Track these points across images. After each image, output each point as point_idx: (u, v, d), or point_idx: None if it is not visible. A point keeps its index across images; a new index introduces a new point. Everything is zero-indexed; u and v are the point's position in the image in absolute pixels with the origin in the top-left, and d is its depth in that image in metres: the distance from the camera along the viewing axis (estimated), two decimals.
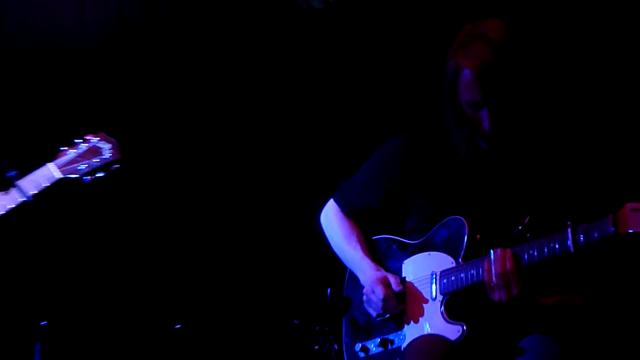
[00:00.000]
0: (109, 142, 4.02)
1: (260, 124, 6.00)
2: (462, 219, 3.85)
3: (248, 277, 5.81)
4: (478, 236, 3.82)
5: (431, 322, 3.86)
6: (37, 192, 3.88)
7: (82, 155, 3.95)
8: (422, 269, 3.96)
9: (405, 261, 4.04)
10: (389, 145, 4.19)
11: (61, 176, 3.93)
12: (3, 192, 3.84)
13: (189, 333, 5.62)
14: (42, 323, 5.14)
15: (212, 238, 5.97)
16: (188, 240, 6.02)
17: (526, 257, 3.60)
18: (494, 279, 3.61)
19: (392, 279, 3.96)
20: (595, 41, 5.29)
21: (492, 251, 3.65)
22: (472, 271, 3.73)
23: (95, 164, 3.95)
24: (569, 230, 3.49)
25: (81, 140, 3.97)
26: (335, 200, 4.31)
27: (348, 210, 4.26)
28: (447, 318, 3.80)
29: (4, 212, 3.83)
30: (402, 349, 3.89)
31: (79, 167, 3.94)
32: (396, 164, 4.11)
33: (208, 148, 6.02)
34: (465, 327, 3.73)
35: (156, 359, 5.78)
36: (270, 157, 5.88)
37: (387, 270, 4.05)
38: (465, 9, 4.48)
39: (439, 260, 3.90)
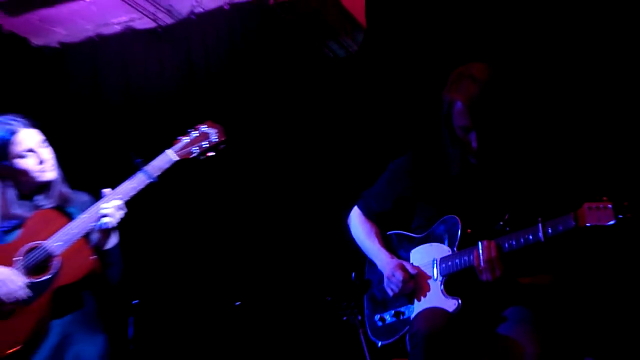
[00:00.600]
0: (214, 127, 3.99)
1: (305, 148, 6.05)
2: (457, 217, 3.90)
3: (294, 265, 5.83)
4: (469, 230, 3.87)
5: (433, 297, 3.89)
6: (160, 173, 3.87)
7: (194, 141, 3.94)
8: (426, 256, 3.99)
9: (412, 250, 4.07)
10: (398, 162, 4.24)
11: (178, 158, 3.92)
12: (131, 179, 3.84)
13: (248, 308, 5.65)
14: (134, 302, 5.17)
15: (271, 235, 6.01)
16: (251, 233, 6.08)
17: (507, 245, 3.67)
18: (482, 263, 3.67)
19: (407, 265, 4.00)
20: (553, 81, 5.32)
21: (479, 242, 3.71)
22: (464, 257, 3.79)
23: (205, 145, 3.93)
24: (540, 224, 3.58)
25: (192, 129, 3.97)
26: (358, 206, 4.35)
27: (368, 213, 4.30)
28: (445, 294, 3.84)
29: (135, 193, 3.83)
30: (411, 318, 3.91)
31: (192, 150, 3.93)
32: (405, 176, 4.18)
33: (268, 167, 6.10)
34: (460, 301, 3.78)
35: (222, 330, 5.79)
36: (313, 174, 5.91)
37: (399, 257, 4.08)
38: (456, 55, 4.50)
39: (439, 250, 3.94)
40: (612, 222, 3.41)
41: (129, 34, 6.67)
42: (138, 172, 3.86)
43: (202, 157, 3.96)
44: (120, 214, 3.79)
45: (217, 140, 3.96)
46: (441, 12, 5.71)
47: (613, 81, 5.24)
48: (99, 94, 6.69)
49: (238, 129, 5.85)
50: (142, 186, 3.85)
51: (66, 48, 6.86)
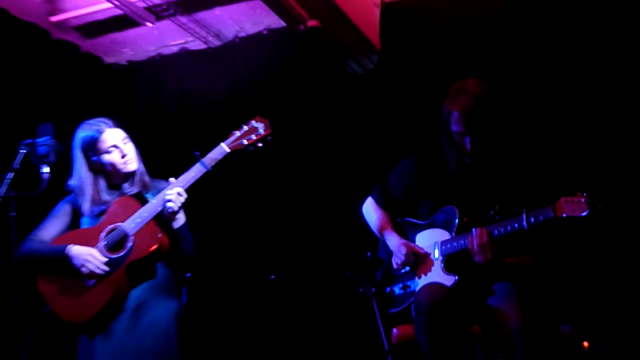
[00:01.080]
0: (262, 121, 3.95)
1: (330, 149, 6.06)
2: (454, 207, 3.89)
3: (320, 246, 5.83)
4: (465, 219, 3.85)
5: (434, 274, 3.88)
6: (214, 164, 3.85)
7: (244, 134, 3.90)
8: (429, 240, 3.98)
9: (417, 234, 4.05)
10: (405, 162, 4.24)
11: (229, 150, 3.87)
12: (190, 169, 3.84)
13: (281, 281, 5.65)
14: (187, 275, 5.17)
15: (302, 220, 6.02)
16: (286, 218, 6.08)
17: (496, 232, 3.67)
18: (475, 247, 3.68)
19: (414, 245, 3.99)
20: (534, 95, 5.33)
21: (473, 229, 3.71)
22: (461, 241, 3.78)
23: (253, 138, 3.90)
24: (524, 214, 3.59)
25: (244, 124, 3.95)
26: (372, 197, 4.34)
27: (380, 203, 4.29)
28: (445, 271, 3.83)
29: (194, 182, 3.83)
30: (416, 291, 3.90)
31: (242, 142, 3.89)
32: (410, 173, 4.17)
33: (301, 165, 6.11)
34: (457, 277, 3.78)
35: (259, 299, 5.80)
36: (337, 171, 5.93)
37: (406, 240, 4.06)
38: (453, 72, 4.48)
39: (440, 234, 3.93)
40: (585, 214, 3.43)
41: (184, 54, 6.70)
42: (196, 163, 3.85)
43: (251, 149, 3.93)
44: (181, 199, 3.79)
45: (264, 133, 3.94)
46: (440, 37, 5.72)
47: (583, 96, 5.23)
48: (160, 103, 6.72)
49: (274, 134, 5.87)
50: (199, 175, 3.84)
51: (133, 65, 6.90)
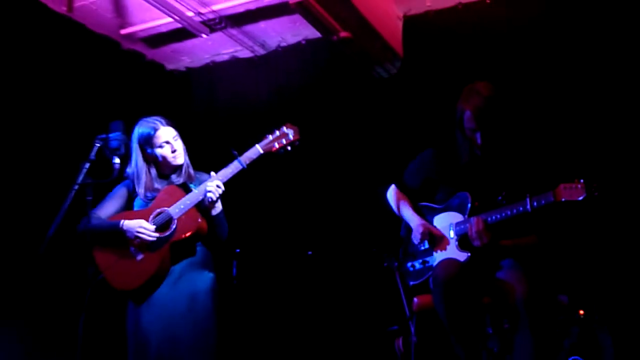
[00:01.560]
0: (292, 128, 3.94)
1: (358, 143, 6.03)
2: (467, 193, 3.85)
3: (351, 226, 5.82)
4: (477, 203, 3.81)
5: (450, 251, 3.84)
6: (249, 162, 3.86)
7: (276, 138, 3.90)
8: (445, 221, 3.93)
9: (435, 217, 4.00)
10: (424, 154, 4.18)
11: (262, 152, 3.89)
12: (228, 166, 3.85)
13: (317, 257, 5.64)
14: (237, 250, 5.18)
15: (335, 205, 6.00)
16: (322, 204, 6.06)
17: (489, 219, 3.67)
18: (473, 234, 3.67)
19: (431, 226, 3.96)
20: (536, 95, 5.28)
21: (471, 219, 3.71)
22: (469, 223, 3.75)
23: (283, 142, 3.90)
24: (528, 199, 3.55)
25: (276, 129, 3.95)
26: (396, 184, 4.28)
27: (403, 189, 4.23)
28: (459, 249, 3.80)
29: (231, 177, 3.85)
30: (433, 265, 3.87)
31: (274, 145, 3.89)
32: (429, 164, 4.12)
33: (335, 157, 6.09)
34: (469, 254, 3.74)
35: (297, 272, 5.80)
36: (365, 161, 5.90)
37: (426, 221, 4.03)
38: (466, 75, 4.44)
39: (454, 217, 3.88)
40: (581, 198, 3.41)
41: (234, 61, 6.69)
42: (234, 160, 3.87)
43: (281, 152, 3.94)
44: (220, 191, 3.82)
45: (292, 138, 3.93)
46: (454, 45, 5.69)
47: (582, 94, 5.17)
48: (213, 104, 6.72)
49: (311, 130, 5.85)
50: (236, 172, 3.87)
51: (190, 71, 6.90)
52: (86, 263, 3.60)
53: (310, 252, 5.54)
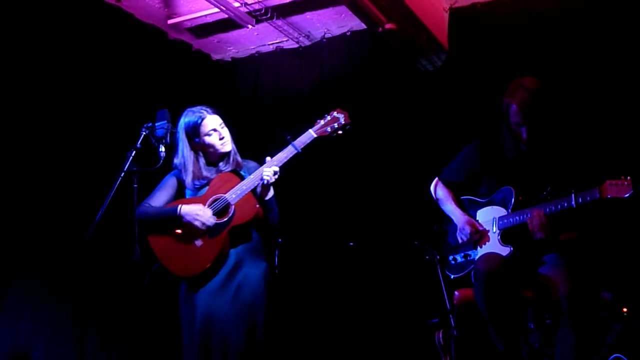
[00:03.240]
0: (342, 113, 3.98)
1: (403, 135, 5.99)
2: (511, 187, 3.82)
3: (393, 219, 5.80)
4: (520, 198, 3.79)
5: (492, 245, 3.83)
6: (303, 146, 3.91)
7: (327, 123, 3.95)
8: (488, 215, 3.92)
9: (478, 211, 3.99)
10: (469, 147, 4.16)
11: (316, 136, 3.93)
12: (283, 150, 3.89)
13: (359, 248, 5.65)
14: (279, 240, 5.23)
15: (378, 196, 5.97)
16: (365, 195, 6.04)
17: (547, 210, 3.61)
18: (535, 227, 3.62)
19: (474, 221, 3.95)
20: (583, 91, 5.22)
21: (529, 211, 3.67)
22: (516, 217, 3.73)
23: (335, 126, 3.94)
24: (573, 195, 3.52)
25: (327, 114, 3.98)
26: (439, 177, 4.27)
27: (446, 182, 4.22)
28: (501, 243, 3.78)
29: (286, 161, 3.89)
30: (475, 259, 3.87)
31: (326, 129, 3.93)
32: (473, 157, 4.09)
33: (381, 149, 6.06)
34: (512, 248, 3.73)
35: (339, 262, 5.82)
36: (410, 154, 5.86)
37: (469, 216, 4.01)
38: (512, 69, 4.41)
39: (498, 211, 3.87)
40: (628, 194, 3.38)
41: (279, 52, 6.71)
42: (288, 145, 3.90)
43: (333, 135, 3.97)
44: (276, 176, 3.86)
45: (344, 122, 3.97)
46: (500, 38, 5.63)
47: (632, 88, 5.10)
48: (258, 93, 6.75)
49: (354, 122, 5.85)
50: (290, 156, 3.90)
51: (236, 61, 6.94)
52: (134, 249, 3.64)
53: (351, 244, 5.55)
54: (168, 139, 3.84)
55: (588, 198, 3.47)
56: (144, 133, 3.79)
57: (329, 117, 3.98)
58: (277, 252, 5.28)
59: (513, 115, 3.77)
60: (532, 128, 3.75)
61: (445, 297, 4.62)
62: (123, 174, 3.61)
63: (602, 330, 4.38)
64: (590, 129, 4.98)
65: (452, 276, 4.05)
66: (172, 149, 4.05)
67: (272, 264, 5.23)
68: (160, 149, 3.80)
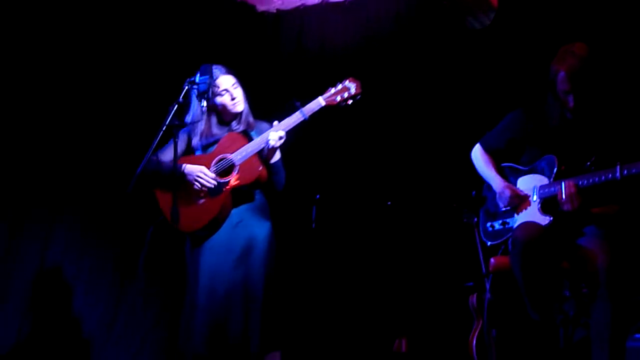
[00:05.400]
0: (354, 82, 3.98)
1: (445, 96, 5.86)
2: (554, 156, 3.75)
3: (433, 180, 5.75)
4: (563, 167, 3.72)
5: (531, 213, 3.78)
6: (311, 114, 3.92)
7: (338, 91, 3.95)
8: (529, 183, 3.86)
9: (519, 179, 3.94)
10: (513, 114, 4.08)
11: (324, 104, 3.93)
12: (291, 116, 3.91)
13: (397, 208, 5.63)
14: (317, 196, 5.21)
15: (419, 159, 5.89)
16: (405, 157, 5.95)
17: (580, 183, 3.57)
18: (563, 197, 3.57)
19: (515, 188, 3.90)
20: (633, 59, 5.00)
21: (562, 181, 3.61)
22: (558, 187, 3.65)
23: (345, 96, 3.94)
24: (618, 166, 3.44)
25: (339, 82, 3.97)
26: (480, 143, 4.21)
27: (487, 149, 4.16)
28: (541, 212, 3.73)
29: (292, 127, 3.91)
30: (513, 227, 3.83)
31: (336, 99, 3.94)
32: (516, 124, 4.02)
33: (424, 109, 5.93)
34: (551, 218, 3.68)
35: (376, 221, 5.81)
36: (454, 117, 5.74)
37: (509, 182, 3.97)
38: (561, 34, 4.29)
39: (539, 179, 3.81)
40: None
41: (324, 5, 6.60)
42: (296, 111, 3.92)
43: (342, 105, 3.99)
44: (281, 140, 3.89)
45: (354, 92, 3.96)
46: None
47: None
48: (302, 47, 6.67)
49: (398, 79, 5.74)
50: (297, 122, 3.93)
51: (281, 14, 6.85)
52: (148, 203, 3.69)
53: (389, 203, 5.53)
54: (210, 93, 3.86)
55: (634, 170, 3.39)
56: (187, 87, 3.81)
57: (340, 86, 3.98)
58: (314, 208, 5.29)
59: (561, 82, 3.68)
60: (580, 96, 3.66)
61: (482, 261, 4.59)
62: (165, 127, 3.63)
63: (638, 305, 4.33)
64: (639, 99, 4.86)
65: (488, 243, 4.03)
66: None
67: (308, 219, 5.26)
68: (202, 104, 3.83)
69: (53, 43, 5.45)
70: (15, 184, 5.26)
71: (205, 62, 3.92)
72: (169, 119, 3.65)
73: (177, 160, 3.97)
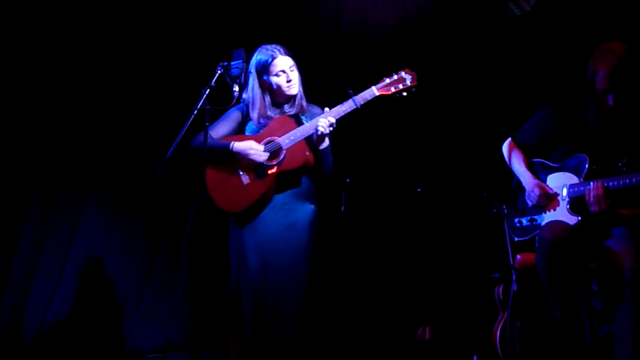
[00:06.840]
0: (411, 74, 3.93)
1: (482, 86, 5.84)
2: (586, 155, 3.72)
3: (464, 169, 5.73)
4: (594, 167, 3.69)
5: (560, 212, 3.76)
6: (363, 103, 3.88)
7: (393, 82, 3.90)
8: (559, 181, 3.83)
9: (549, 176, 3.91)
10: (545, 111, 4.04)
11: (378, 94, 3.89)
12: (343, 104, 3.88)
13: (427, 195, 5.60)
14: (347, 180, 5.21)
15: (450, 151, 5.90)
16: (435, 150, 5.96)
17: (611, 184, 3.54)
18: (591, 199, 3.55)
19: (544, 185, 3.87)
20: None
21: (591, 182, 3.58)
22: (586, 187, 3.62)
23: (400, 87, 3.90)
24: None
25: (394, 72, 3.94)
26: (512, 138, 4.18)
27: (519, 144, 4.13)
28: (570, 211, 3.71)
29: (344, 115, 3.88)
30: (541, 225, 3.82)
31: (390, 89, 3.90)
32: (548, 122, 3.98)
33: (458, 100, 5.91)
34: (580, 218, 3.66)
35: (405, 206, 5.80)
36: (487, 110, 5.73)
37: (538, 179, 3.94)
38: (600, 30, 4.21)
39: (569, 178, 3.77)
40: None
41: None
42: (349, 99, 3.89)
43: (396, 96, 3.94)
44: (331, 127, 3.87)
45: (410, 84, 3.91)
46: None
47: None
48: (340, 24, 6.58)
49: (435, 65, 5.71)
50: (349, 110, 3.90)
51: None
52: (198, 182, 3.73)
53: (419, 190, 5.51)
54: (242, 78, 3.87)
55: None
56: (219, 72, 3.80)
57: (395, 76, 3.93)
58: (343, 194, 5.30)
59: (600, 81, 3.64)
60: (620, 95, 3.62)
61: (510, 253, 4.57)
62: (196, 111, 3.65)
63: None
64: None
65: (515, 239, 4.03)
66: (245, 87, 4.11)
67: (338, 203, 5.28)
68: (234, 88, 3.83)
69: (88, 25, 5.54)
70: (47, 160, 5.42)
71: (241, 45, 3.93)
72: (201, 103, 3.67)
73: (226, 138, 4.03)
